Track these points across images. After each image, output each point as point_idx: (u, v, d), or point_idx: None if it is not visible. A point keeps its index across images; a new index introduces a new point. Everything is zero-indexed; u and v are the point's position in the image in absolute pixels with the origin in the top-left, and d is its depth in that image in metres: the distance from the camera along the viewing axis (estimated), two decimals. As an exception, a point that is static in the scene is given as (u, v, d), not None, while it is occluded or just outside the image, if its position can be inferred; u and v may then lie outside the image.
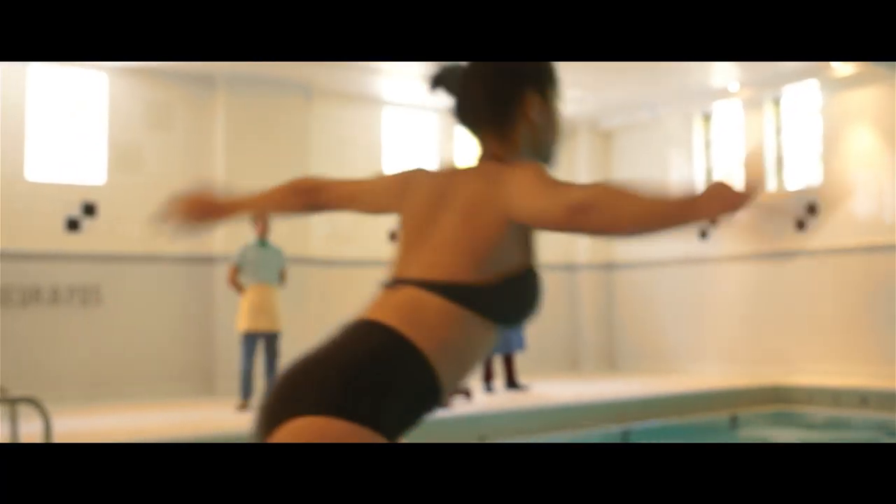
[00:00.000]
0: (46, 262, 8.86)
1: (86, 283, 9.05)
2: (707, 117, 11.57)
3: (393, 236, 10.95)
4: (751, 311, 10.84)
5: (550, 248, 12.28)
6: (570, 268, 12.44)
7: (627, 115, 12.02)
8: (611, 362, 12.35)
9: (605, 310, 12.46)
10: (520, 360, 10.54)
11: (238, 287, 8.25)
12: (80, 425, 6.98)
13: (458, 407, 8.18)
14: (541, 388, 9.55)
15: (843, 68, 9.67)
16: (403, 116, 11.27)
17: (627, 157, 12.41)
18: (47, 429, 4.55)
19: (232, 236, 8.98)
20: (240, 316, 8.22)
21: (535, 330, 11.64)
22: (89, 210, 9.17)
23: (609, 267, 12.47)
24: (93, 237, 9.15)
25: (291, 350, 8.94)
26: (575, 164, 12.47)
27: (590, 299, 12.40)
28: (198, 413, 7.95)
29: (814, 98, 10.37)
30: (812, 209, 10.20)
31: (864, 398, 8.86)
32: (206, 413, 7.93)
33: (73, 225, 9.08)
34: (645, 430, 8.16)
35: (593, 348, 12.34)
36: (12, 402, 4.72)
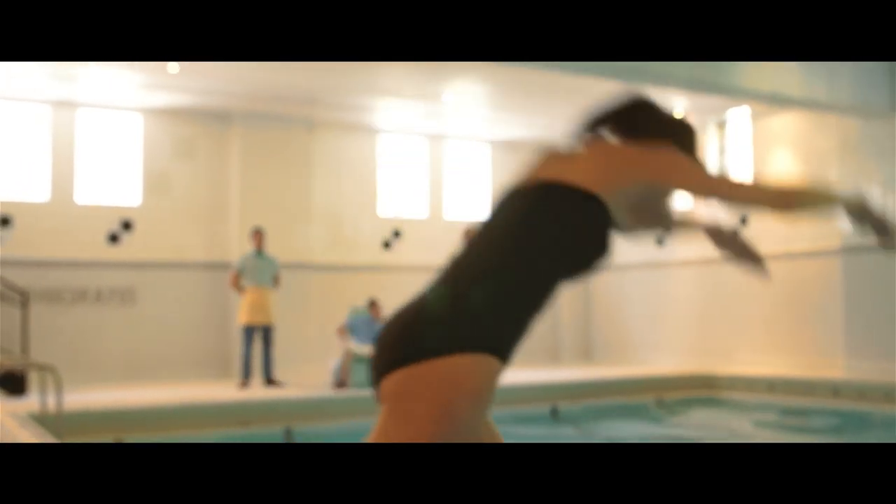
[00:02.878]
0: (91, 269, 10.88)
1: (123, 286, 11.06)
2: (667, 138, 13.06)
3: (386, 245, 12.76)
4: (700, 309, 12.34)
5: (533, 253, 13.96)
6: (551, 271, 14.05)
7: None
8: (587, 354, 13.95)
9: (582, 308, 14.05)
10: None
11: (239, 289, 10.14)
12: (116, 397, 8.91)
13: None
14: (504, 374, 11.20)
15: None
16: (396, 142, 13.02)
17: (602, 173, 13.97)
18: (58, 395, 6.45)
19: (243, 247, 10.86)
20: (240, 312, 10.11)
21: (520, 326, 13.37)
22: (127, 226, 11.16)
23: (586, 270, 14.05)
24: (129, 248, 11.15)
25: (289, 343, 10.86)
26: (556, 180, 14.11)
27: (568, 298, 13.99)
28: (208, 389, 9.84)
29: (745, 123, 11.84)
30: (744, 220, 11.70)
31: (771, 385, 10.34)
32: (213, 389, 9.81)
33: (113, 238, 11.10)
34: (574, 409, 9.78)
35: (572, 341, 13.95)
36: (39, 369, 6.64)
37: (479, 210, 13.66)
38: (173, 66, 9.47)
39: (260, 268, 10.16)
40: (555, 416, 9.61)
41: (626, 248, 13.35)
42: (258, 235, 10.20)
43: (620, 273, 13.56)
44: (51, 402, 6.97)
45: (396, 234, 12.82)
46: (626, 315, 13.47)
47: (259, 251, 10.22)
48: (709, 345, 12.11)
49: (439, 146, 13.28)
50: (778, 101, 9.70)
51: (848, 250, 10.32)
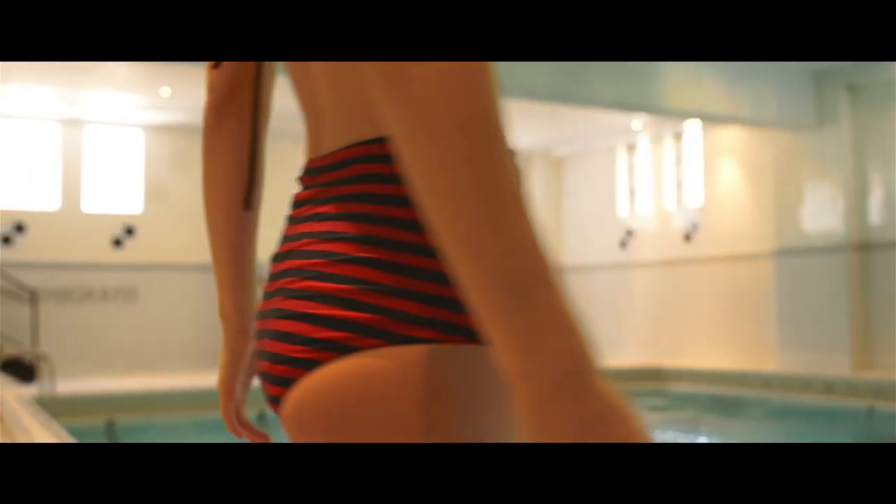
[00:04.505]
0: (97, 271, 12.08)
1: (126, 286, 12.24)
2: (631, 147, 14.07)
3: (370, 248, 13.86)
4: (657, 307, 13.32)
5: (510, 255, 15.00)
6: (527, 272, 15.08)
7: (573, 146, 14.62)
8: (560, 349, 14.92)
9: (556, 306, 15.04)
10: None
11: (226, 289, 11.27)
12: (113, 384, 10.08)
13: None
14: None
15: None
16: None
17: (575, 181, 15.01)
18: (52, 381, 7.59)
19: (233, 250, 11.99)
20: (228, 310, 11.24)
21: (498, 322, 14.41)
22: (130, 232, 12.35)
23: (559, 271, 15.05)
24: (132, 252, 12.33)
25: (271, 336, 11.94)
26: (531, 185, 15.16)
27: (543, 297, 15.00)
28: (196, 378, 10.96)
29: (697, 134, 12.80)
30: (695, 225, 12.67)
31: (710, 377, 11.32)
32: (201, 378, 10.93)
33: (117, 243, 12.28)
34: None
35: (546, 338, 14.94)
36: (37, 358, 7.78)
37: (459, 215, 14.71)
38: (165, 90, 10.61)
39: (245, 269, 11.26)
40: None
41: (591, 251, 14.43)
42: (244, 240, 11.32)
43: (588, 273, 14.57)
44: (50, 387, 8.15)
45: (379, 237, 13.89)
46: (594, 313, 14.46)
47: (244, 254, 11.33)
48: (665, 339, 13.10)
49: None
50: (702, 117, 10.68)
51: (780, 253, 11.25)
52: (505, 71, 4.06)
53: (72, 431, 6.91)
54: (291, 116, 8.09)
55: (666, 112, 10.18)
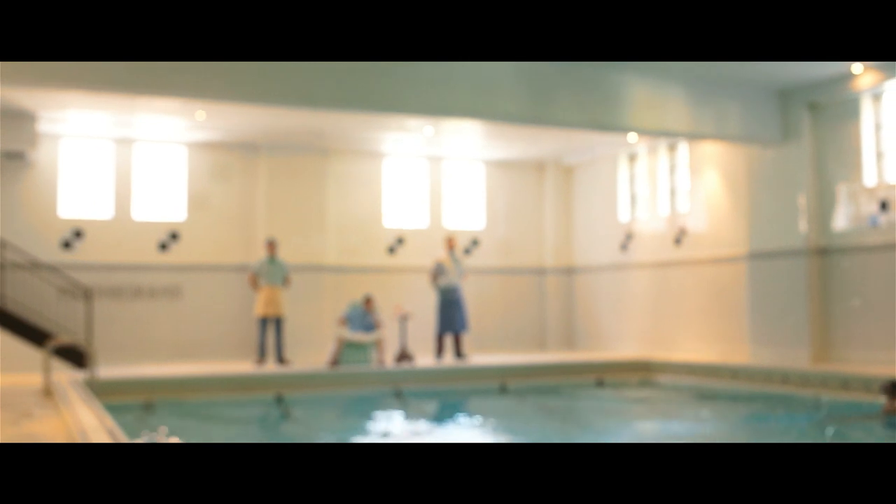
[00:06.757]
0: (146, 271, 13.67)
1: (172, 284, 13.80)
2: (632, 157, 15.17)
3: (391, 250, 15.19)
4: (652, 303, 14.42)
5: (524, 255, 16.22)
6: (539, 271, 16.31)
7: (582, 155, 15.77)
8: (570, 342, 16.14)
9: (566, 303, 16.24)
10: (496, 340, 14.67)
11: (255, 287, 12.73)
12: (158, 370, 11.59)
13: (398, 366, 12.33)
14: (478, 358, 13.51)
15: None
16: (400, 164, 15.41)
17: (583, 187, 16.16)
18: (97, 366, 9.07)
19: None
20: (257, 306, 12.70)
21: (512, 319, 15.66)
22: (174, 236, 13.90)
23: (569, 271, 16.27)
24: (177, 254, 13.88)
25: (305, 331, 13.40)
26: (544, 191, 16.34)
27: (554, 295, 16.21)
28: (233, 366, 12.44)
29: (684, 146, 13.87)
30: (683, 230, 13.76)
31: (690, 369, 12.41)
32: (237, 366, 12.42)
33: (163, 246, 13.85)
34: (521, 386, 12.01)
35: (556, 332, 16.15)
36: (89, 346, 9.29)
37: (475, 220, 15.99)
38: (200, 114, 12.10)
39: (272, 270, 12.71)
40: (503, 391, 11.84)
41: (597, 252, 15.57)
42: (271, 245, 12.78)
43: (595, 273, 15.73)
44: (100, 371, 9.68)
45: (400, 240, 15.24)
46: (599, 309, 15.64)
47: (272, 257, 12.78)
48: (657, 334, 14.22)
49: (438, 166, 15.64)
50: (668, 135, 11.79)
51: (752, 256, 12.30)
52: (484, 98, 6.40)
53: (114, 409, 8.32)
54: (319, 133, 10.03)
55: (633, 130, 11.30)
